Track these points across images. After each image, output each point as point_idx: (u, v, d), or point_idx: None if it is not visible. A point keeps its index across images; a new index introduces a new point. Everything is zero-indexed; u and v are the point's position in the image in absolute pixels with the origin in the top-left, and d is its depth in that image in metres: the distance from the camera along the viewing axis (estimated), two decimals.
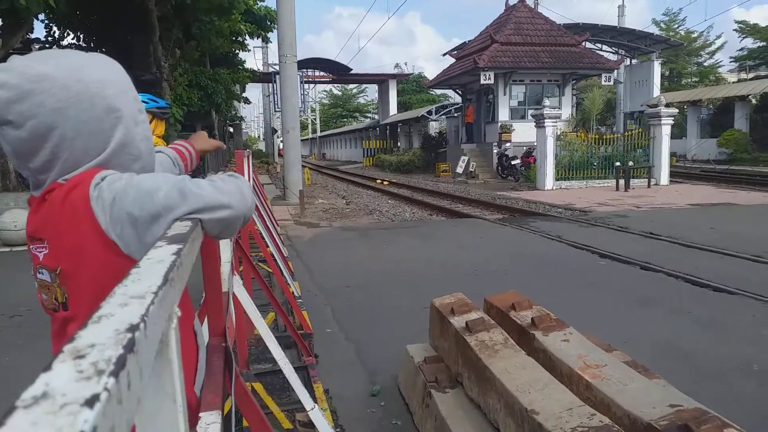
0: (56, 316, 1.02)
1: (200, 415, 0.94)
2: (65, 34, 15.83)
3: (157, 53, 14.96)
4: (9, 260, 7.87)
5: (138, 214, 0.91)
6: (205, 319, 1.39)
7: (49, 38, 15.28)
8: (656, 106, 18.05)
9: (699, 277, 5.91)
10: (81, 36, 16.21)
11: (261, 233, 5.14)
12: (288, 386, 3.42)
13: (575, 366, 2.44)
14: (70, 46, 16.23)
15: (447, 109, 33.66)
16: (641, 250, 7.49)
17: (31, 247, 1.03)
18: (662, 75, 34.51)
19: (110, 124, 1.02)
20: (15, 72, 0.96)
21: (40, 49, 15.12)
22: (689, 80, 42.15)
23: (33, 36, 13.70)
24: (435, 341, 3.33)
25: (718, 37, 42.79)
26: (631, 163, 16.41)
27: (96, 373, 0.27)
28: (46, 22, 14.77)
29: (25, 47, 13.69)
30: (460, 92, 27.44)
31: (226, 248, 2.18)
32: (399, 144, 42.19)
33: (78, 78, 0.99)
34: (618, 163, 16.32)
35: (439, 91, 46.60)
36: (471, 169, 22.23)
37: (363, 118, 65.34)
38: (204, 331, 1.33)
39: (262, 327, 2.76)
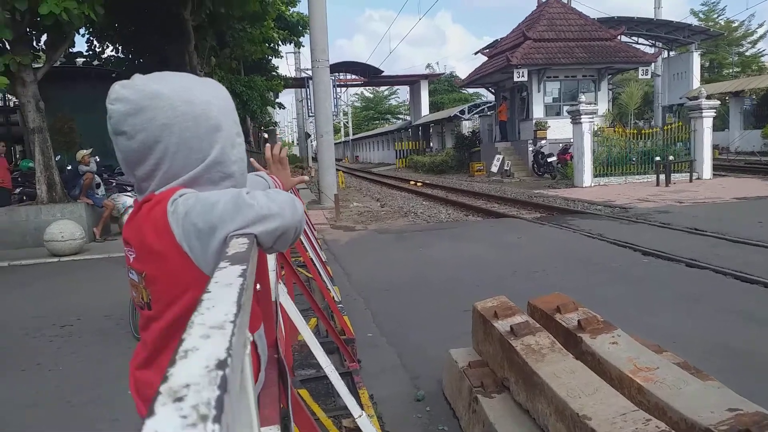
0: (143, 313, 1.13)
1: (261, 430, 0.94)
2: (105, 47, 16.27)
3: (193, 62, 15.25)
4: (58, 270, 8.11)
5: (201, 226, 0.97)
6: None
7: (90, 52, 15.72)
8: (697, 98, 17.57)
9: (748, 274, 5.72)
10: (119, 47, 16.65)
11: (300, 238, 5.18)
12: (333, 392, 3.43)
13: (626, 369, 2.38)
14: (110, 58, 16.68)
15: (480, 108, 33.44)
16: (686, 246, 7.29)
17: (125, 249, 1.15)
18: (702, 66, 33.59)
19: (209, 143, 1.12)
20: (134, 89, 1.09)
21: (84, 63, 15.59)
22: (730, 70, 40.94)
23: (75, 50, 14.10)
24: (479, 345, 3.29)
25: (761, 25, 41.34)
26: (671, 158, 16.00)
27: (200, 419, 0.27)
28: (87, 36, 15.18)
29: (68, 61, 14.15)
30: (493, 90, 27.20)
31: (270, 256, 2.20)
32: (431, 144, 42.06)
33: (187, 99, 1.11)
34: (658, 158, 15.92)
35: (471, 90, 46.36)
36: (506, 168, 22.00)
37: (395, 120, 65.35)
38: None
39: (307, 334, 2.77)
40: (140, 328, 1.16)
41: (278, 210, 0.98)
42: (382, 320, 5.09)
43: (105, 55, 16.43)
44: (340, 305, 4.93)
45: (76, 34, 11.46)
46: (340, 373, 3.01)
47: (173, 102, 1.09)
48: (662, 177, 15.38)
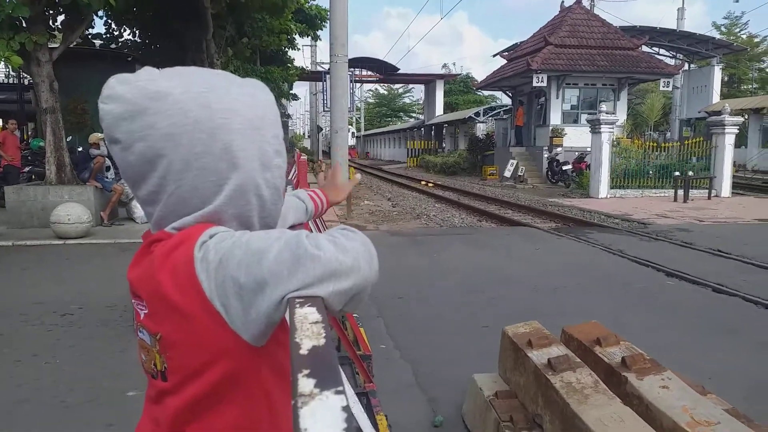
0: (153, 383, 0.87)
1: None
2: (123, 30, 16.09)
3: (210, 50, 15.06)
4: (63, 253, 7.93)
5: (244, 281, 0.72)
6: None
7: (108, 34, 15.55)
8: (718, 113, 17.22)
9: None
10: (137, 32, 16.47)
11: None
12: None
13: (681, 421, 2.14)
14: (127, 41, 16.50)
15: (495, 111, 33.12)
16: (710, 269, 7.03)
17: (132, 300, 0.88)
18: (721, 80, 33.13)
19: (228, 164, 0.84)
20: (134, 85, 0.82)
21: (101, 46, 15.42)
22: (749, 86, 40.44)
23: (93, 32, 13.93)
24: (507, 374, 3.06)
25: None
26: (690, 173, 15.69)
27: None
28: (105, 18, 15.01)
29: (85, 42, 13.97)
30: (510, 94, 26.90)
31: None
32: (444, 145, 41.76)
33: (204, 103, 0.83)
34: (677, 173, 15.61)
35: (486, 93, 46.03)
36: (520, 173, 21.73)
37: (407, 118, 65.09)
38: None
39: None
40: (150, 399, 0.89)
41: (352, 263, 0.73)
42: (396, 331, 4.87)
43: (123, 39, 16.25)
44: (356, 315, 4.70)
45: (95, 16, 11.27)
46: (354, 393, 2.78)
47: (185, 105, 0.81)
48: (680, 192, 15.09)
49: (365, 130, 68.81)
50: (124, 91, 0.82)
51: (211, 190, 0.84)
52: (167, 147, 0.81)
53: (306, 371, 0.49)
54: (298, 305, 0.66)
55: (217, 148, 0.83)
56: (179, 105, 0.81)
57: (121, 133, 0.82)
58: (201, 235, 0.78)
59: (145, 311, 0.84)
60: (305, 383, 0.46)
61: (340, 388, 0.45)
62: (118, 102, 0.82)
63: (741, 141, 28.35)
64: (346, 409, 0.43)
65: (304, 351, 0.53)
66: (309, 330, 0.57)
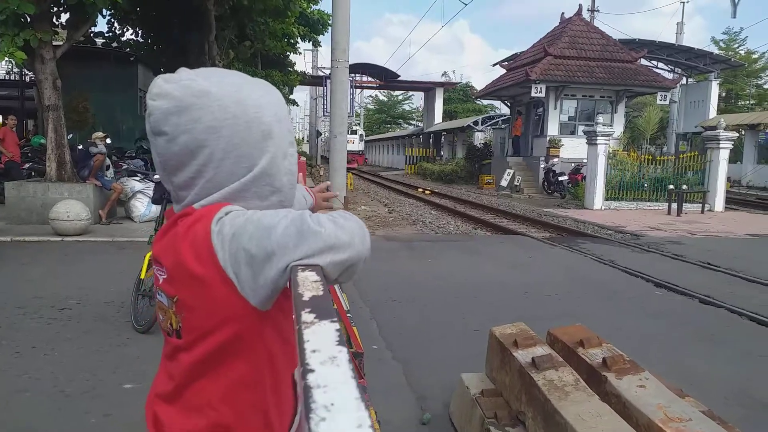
0: (169, 340, 1.01)
1: None
2: (125, 30, 16.21)
3: (212, 52, 15.17)
4: (61, 250, 8.01)
5: (254, 251, 0.85)
6: None
7: (110, 33, 15.65)
8: (714, 128, 17.42)
9: (766, 316, 5.57)
10: (140, 32, 16.59)
11: None
12: None
13: (655, 417, 2.25)
14: (129, 41, 16.60)
15: (494, 120, 33.33)
16: (699, 281, 7.15)
17: (154, 267, 1.03)
18: (718, 96, 33.38)
19: (259, 151, 0.99)
20: (180, 84, 0.96)
21: (104, 44, 15.51)
22: (747, 102, 40.75)
23: (95, 30, 14.03)
24: (493, 373, 3.16)
25: None
26: (684, 187, 15.86)
27: None
28: (109, 17, 15.12)
29: (88, 41, 14.08)
30: (508, 104, 27.08)
31: None
32: (442, 153, 41.95)
33: (238, 99, 0.97)
34: (671, 186, 15.78)
35: (485, 102, 46.29)
36: (516, 183, 21.87)
37: (407, 125, 65.30)
38: None
39: None
40: (165, 355, 1.03)
41: (348, 239, 0.86)
42: (389, 333, 4.96)
43: (125, 38, 16.37)
44: (349, 315, 4.80)
45: (99, 15, 11.38)
46: None
47: (223, 102, 0.95)
48: (674, 206, 15.24)
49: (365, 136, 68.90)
50: (172, 89, 0.95)
51: (243, 173, 0.98)
52: (210, 139, 0.95)
53: (308, 309, 0.60)
54: (300, 270, 0.78)
55: (253, 138, 0.97)
56: (219, 101, 0.95)
57: (169, 126, 0.95)
58: (218, 212, 0.92)
59: (164, 276, 0.98)
60: (307, 316, 0.58)
61: (335, 319, 0.56)
62: (167, 99, 0.94)
63: (737, 156, 28.60)
64: (339, 330, 0.54)
65: (306, 298, 0.64)
66: (310, 286, 0.69)
